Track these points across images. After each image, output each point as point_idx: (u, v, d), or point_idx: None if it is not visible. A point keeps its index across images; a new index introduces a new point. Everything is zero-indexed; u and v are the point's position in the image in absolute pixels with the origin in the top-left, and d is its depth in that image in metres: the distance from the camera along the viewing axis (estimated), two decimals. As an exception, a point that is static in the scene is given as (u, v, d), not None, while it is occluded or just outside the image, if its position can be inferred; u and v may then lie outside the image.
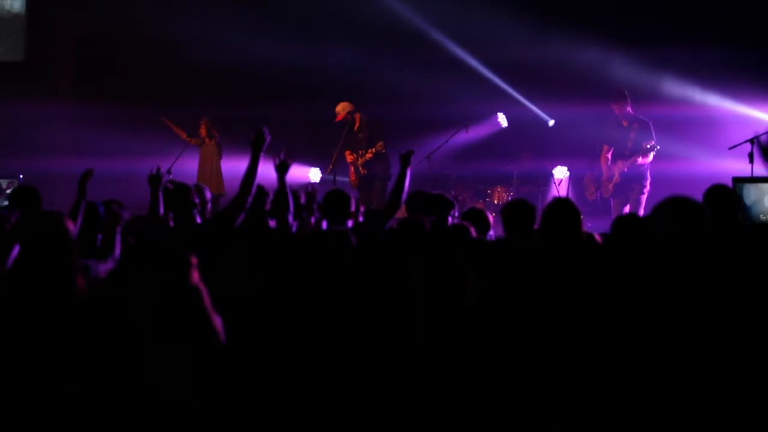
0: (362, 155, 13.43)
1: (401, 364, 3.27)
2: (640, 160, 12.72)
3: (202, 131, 14.79)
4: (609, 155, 13.05)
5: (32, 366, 3.42)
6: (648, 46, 14.37)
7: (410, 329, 3.33)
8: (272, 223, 7.82)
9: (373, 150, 13.31)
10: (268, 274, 3.57)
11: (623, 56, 14.56)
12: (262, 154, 7.31)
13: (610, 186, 12.95)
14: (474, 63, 15.30)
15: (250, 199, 7.30)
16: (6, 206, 7.54)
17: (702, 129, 14.15)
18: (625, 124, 12.98)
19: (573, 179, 14.16)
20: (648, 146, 12.63)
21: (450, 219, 7.86)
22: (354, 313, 3.47)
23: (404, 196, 7.72)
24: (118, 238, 6.45)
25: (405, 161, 7.77)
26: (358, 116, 13.65)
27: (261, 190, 7.83)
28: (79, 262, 4.11)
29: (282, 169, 7.46)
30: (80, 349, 3.25)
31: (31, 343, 3.49)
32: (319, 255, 3.39)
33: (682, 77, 14.42)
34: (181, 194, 7.46)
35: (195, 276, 4.64)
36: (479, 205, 10.64)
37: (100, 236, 7.20)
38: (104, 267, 5.82)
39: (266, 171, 7.54)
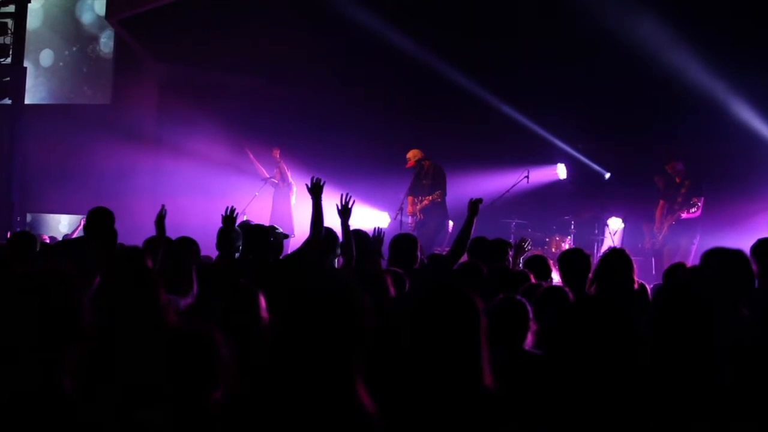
0: (420, 201, 13.41)
1: (473, 408, 3.19)
2: (684, 215, 12.56)
3: (277, 174, 14.89)
4: (662, 208, 12.91)
5: (121, 392, 3.44)
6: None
7: (480, 372, 3.24)
8: (339, 261, 7.88)
9: (429, 198, 13.29)
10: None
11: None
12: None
13: (660, 237, 12.81)
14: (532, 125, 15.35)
15: (319, 242, 7.38)
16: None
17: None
18: (677, 180, 12.85)
19: (626, 230, 14.03)
20: (694, 201, 12.49)
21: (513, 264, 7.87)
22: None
23: (468, 242, 7.70)
24: (194, 275, 6.53)
25: (473, 209, 7.73)
26: (426, 164, 13.58)
27: (331, 233, 7.87)
28: (165, 296, 4.15)
29: (344, 214, 7.54)
30: (165, 378, 3.27)
31: (123, 371, 3.53)
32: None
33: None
34: (259, 234, 7.54)
35: (263, 311, 4.71)
36: (537, 253, 10.60)
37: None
38: (184, 302, 5.91)
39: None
